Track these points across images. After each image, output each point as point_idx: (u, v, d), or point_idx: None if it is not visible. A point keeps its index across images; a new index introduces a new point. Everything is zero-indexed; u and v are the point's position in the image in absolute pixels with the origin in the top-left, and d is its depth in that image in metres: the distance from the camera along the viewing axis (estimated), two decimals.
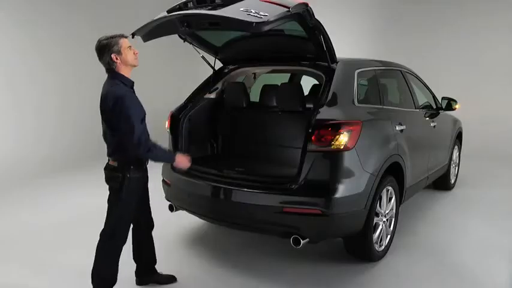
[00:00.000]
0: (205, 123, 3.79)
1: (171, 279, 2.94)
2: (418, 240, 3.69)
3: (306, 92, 3.90)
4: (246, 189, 2.87)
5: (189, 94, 3.76)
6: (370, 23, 8.97)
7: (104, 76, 2.50)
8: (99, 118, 2.48)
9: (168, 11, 2.87)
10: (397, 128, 3.42)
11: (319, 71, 3.25)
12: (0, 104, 6.29)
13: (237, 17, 2.41)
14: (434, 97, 4.81)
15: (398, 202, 3.50)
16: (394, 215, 3.42)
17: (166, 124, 3.57)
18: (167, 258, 3.29)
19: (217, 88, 3.80)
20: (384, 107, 3.50)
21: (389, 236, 3.39)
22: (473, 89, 7.98)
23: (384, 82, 3.81)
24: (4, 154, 6.11)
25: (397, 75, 4.15)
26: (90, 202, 4.68)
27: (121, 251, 2.61)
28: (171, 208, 3.40)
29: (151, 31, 2.99)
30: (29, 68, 6.68)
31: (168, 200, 3.47)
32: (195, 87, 3.81)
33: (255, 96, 3.97)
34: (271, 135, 3.66)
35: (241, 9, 2.45)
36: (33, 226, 3.94)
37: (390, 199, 3.33)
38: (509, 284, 2.94)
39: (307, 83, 4.49)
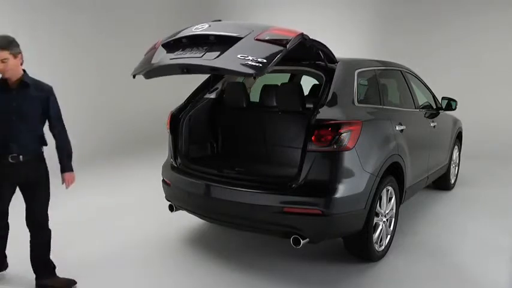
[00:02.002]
0: (205, 123, 3.79)
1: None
2: (418, 240, 3.69)
3: (306, 92, 3.90)
4: (246, 189, 2.87)
5: (189, 94, 3.76)
6: (370, 23, 8.98)
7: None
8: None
9: (164, 45, 2.88)
10: (397, 128, 3.42)
11: (319, 71, 3.26)
12: None
13: (236, 69, 2.41)
14: (434, 97, 4.81)
15: (399, 202, 3.50)
16: (394, 215, 3.42)
17: (166, 124, 3.57)
18: (167, 258, 3.30)
19: (217, 88, 3.80)
20: (384, 107, 3.50)
21: (389, 236, 3.39)
22: (473, 89, 7.98)
23: (384, 82, 3.81)
24: None
25: (397, 75, 4.15)
26: (90, 202, 4.68)
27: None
28: (171, 208, 3.40)
29: (151, 72, 3.01)
30: (29, 68, 6.67)
31: (168, 200, 3.47)
32: (195, 87, 3.82)
33: (255, 96, 3.97)
34: (271, 135, 3.66)
35: (239, 55, 2.42)
36: None
37: (390, 199, 3.33)
38: (509, 284, 2.94)
39: (307, 83, 4.49)
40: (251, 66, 2.33)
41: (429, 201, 4.83)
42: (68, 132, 2.81)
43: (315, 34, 2.82)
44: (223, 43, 2.54)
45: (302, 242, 2.70)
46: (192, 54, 2.64)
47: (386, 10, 8.79)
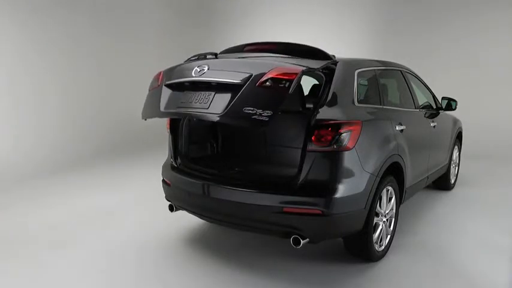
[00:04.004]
0: (205, 123, 3.79)
1: None
2: (418, 240, 3.69)
3: (306, 92, 3.90)
4: (246, 189, 2.87)
5: None
6: (370, 23, 8.98)
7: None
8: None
9: (167, 85, 3.02)
10: (397, 128, 3.43)
11: (319, 71, 3.25)
12: (0, 104, 6.30)
13: (245, 125, 2.58)
14: (434, 97, 4.81)
15: (399, 202, 3.50)
16: (394, 215, 3.42)
17: (166, 124, 3.57)
18: (167, 258, 3.30)
19: None
20: (384, 107, 3.50)
21: (389, 236, 3.39)
22: (473, 89, 7.99)
23: (384, 82, 3.81)
24: (4, 154, 6.12)
25: (397, 75, 4.15)
26: (90, 202, 4.69)
27: None
28: (171, 208, 3.40)
29: (161, 115, 3.10)
30: (29, 68, 6.69)
31: (168, 200, 3.47)
32: None
33: None
34: (271, 135, 3.66)
35: (245, 109, 2.50)
36: (32, 226, 3.95)
37: (390, 199, 3.33)
38: (508, 284, 2.94)
39: (307, 83, 4.49)
40: (259, 120, 2.45)
41: (429, 201, 4.83)
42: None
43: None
44: (226, 90, 2.66)
45: (302, 242, 2.70)
46: (198, 105, 2.75)
47: (386, 10, 8.80)
